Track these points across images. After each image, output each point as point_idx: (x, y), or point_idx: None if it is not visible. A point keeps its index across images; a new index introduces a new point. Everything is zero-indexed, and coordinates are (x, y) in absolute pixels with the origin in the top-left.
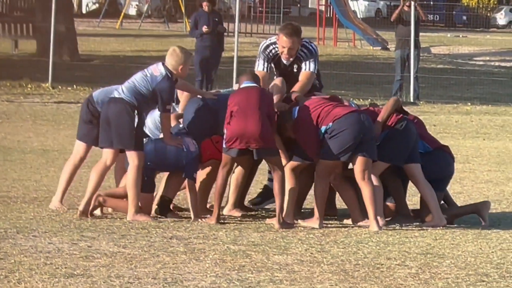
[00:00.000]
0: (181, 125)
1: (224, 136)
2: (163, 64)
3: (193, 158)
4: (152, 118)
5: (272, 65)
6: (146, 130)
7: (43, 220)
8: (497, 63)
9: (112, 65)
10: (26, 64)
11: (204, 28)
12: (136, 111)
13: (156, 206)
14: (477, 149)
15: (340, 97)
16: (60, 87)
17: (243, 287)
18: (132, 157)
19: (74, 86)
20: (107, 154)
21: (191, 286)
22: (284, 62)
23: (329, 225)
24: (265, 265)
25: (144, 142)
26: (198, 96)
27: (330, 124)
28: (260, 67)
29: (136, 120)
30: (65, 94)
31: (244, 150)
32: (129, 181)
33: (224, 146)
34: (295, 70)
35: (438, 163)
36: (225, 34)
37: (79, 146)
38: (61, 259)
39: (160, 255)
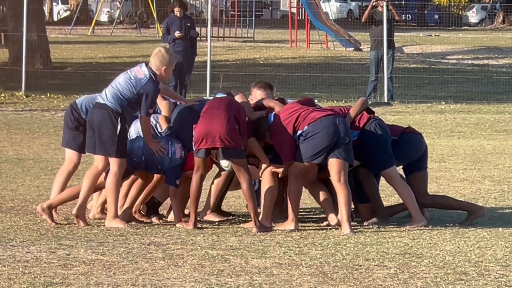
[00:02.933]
0: (172, 129)
1: (193, 138)
2: (146, 65)
3: (176, 165)
4: (136, 128)
5: None
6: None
7: (21, 229)
8: (470, 61)
9: (85, 72)
10: None
11: (177, 33)
12: (119, 118)
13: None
14: (452, 148)
15: (311, 98)
16: (33, 95)
17: None
18: (112, 163)
19: (48, 94)
20: (98, 159)
21: None
22: None
23: (306, 227)
24: (244, 269)
25: (135, 137)
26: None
27: (306, 127)
28: None
29: (119, 127)
30: (39, 103)
31: (212, 150)
32: (108, 187)
33: (194, 149)
34: None
35: (409, 146)
36: (198, 38)
37: (71, 154)
38: (40, 268)
39: (138, 261)
